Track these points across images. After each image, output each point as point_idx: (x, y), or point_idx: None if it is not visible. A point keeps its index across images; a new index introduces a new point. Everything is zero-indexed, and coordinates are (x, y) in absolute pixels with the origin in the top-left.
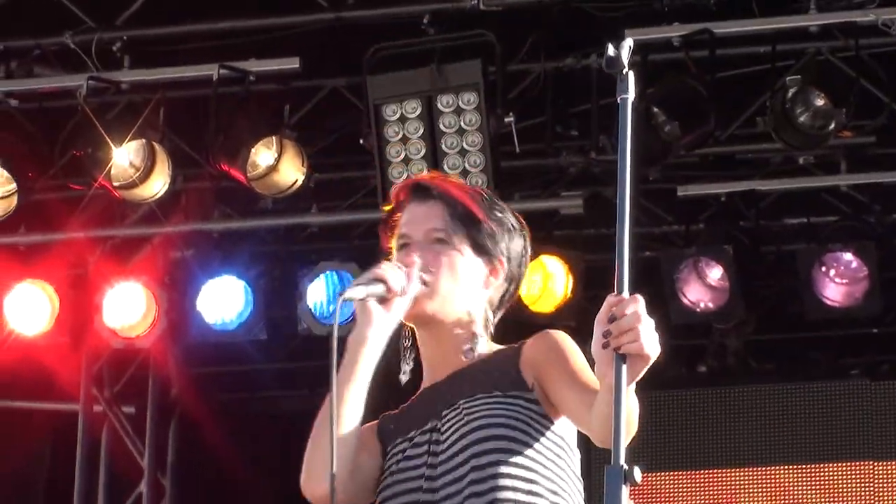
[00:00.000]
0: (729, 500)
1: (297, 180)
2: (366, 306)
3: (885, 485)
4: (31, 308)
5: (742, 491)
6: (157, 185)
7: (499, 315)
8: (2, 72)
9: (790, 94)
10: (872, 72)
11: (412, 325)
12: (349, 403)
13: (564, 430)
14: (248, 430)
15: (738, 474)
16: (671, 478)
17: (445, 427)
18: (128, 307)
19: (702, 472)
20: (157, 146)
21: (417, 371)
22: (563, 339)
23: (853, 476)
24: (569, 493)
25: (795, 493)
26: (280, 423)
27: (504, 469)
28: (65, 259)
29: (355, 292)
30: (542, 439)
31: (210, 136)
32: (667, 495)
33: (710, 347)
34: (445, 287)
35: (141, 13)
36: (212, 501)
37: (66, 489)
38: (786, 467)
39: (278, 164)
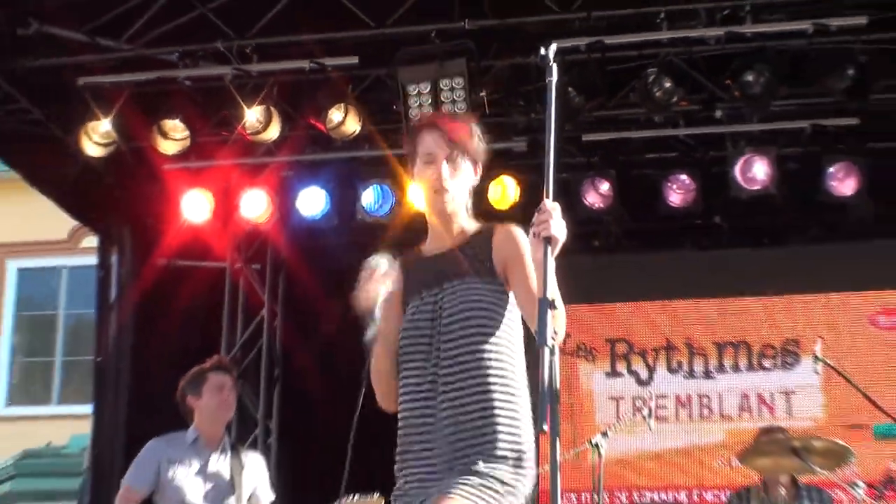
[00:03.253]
0: (615, 325)
1: (356, 130)
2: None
3: (707, 314)
4: (198, 206)
5: (621, 317)
6: (273, 132)
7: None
8: (189, 63)
9: (650, 80)
10: (700, 66)
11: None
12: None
13: (514, 304)
14: (325, 275)
15: (618, 307)
16: (577, 308)
17: (445, 300)
18: (255, 205)
19: (596, 305)
20: (272, 109)
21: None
22: (522, 239)
23: (690, 307)
24: (518, 350)
25: (653, 318)
26: (341, 271)
27: (482, 332)
28: (218, 176)
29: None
30: (504, 312)
31: (304, 103)
32: (573, 319)
33: (600, 231)
34: (457, 190)
35: (266, 27)
36: (305, 317)
37: (219, 314)
38: (646, 302)
39: (345, 120)
